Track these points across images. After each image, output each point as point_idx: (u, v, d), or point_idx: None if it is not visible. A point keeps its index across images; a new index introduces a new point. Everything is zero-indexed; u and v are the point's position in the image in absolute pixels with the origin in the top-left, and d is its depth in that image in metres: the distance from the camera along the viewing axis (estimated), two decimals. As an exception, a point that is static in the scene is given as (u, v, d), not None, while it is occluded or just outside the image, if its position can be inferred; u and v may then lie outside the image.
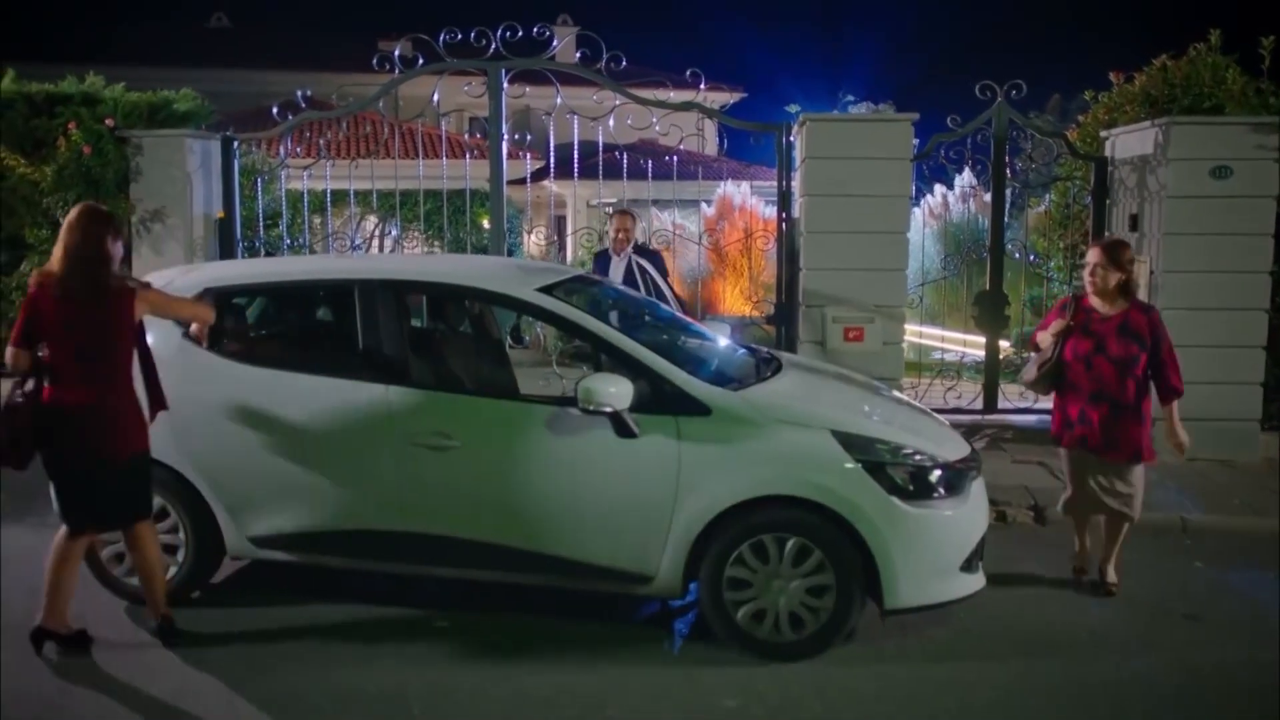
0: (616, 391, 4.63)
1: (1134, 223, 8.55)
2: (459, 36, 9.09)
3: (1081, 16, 48.10)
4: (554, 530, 4.89)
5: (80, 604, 5.35)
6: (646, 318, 6.21)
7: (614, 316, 5.74)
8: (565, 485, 4.87)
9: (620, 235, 8.03)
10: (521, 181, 12.97)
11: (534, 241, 14.58)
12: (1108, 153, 9.13)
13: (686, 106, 9.30)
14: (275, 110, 9.73)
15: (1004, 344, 9.70)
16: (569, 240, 13.43)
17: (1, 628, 5.10)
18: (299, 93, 9.71)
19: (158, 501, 5.29)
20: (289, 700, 4.45)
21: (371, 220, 12.20)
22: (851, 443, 4.76)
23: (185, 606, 5.31)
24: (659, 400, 4.82)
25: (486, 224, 10.98)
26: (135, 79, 10.56)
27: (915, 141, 8.82)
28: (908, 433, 5.04)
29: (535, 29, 9.13)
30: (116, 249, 4.75)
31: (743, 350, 6.05)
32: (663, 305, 6.86)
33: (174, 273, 5.79)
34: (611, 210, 8.35)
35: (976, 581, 4.99)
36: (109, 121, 9.67)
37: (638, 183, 9.94)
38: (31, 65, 11.42)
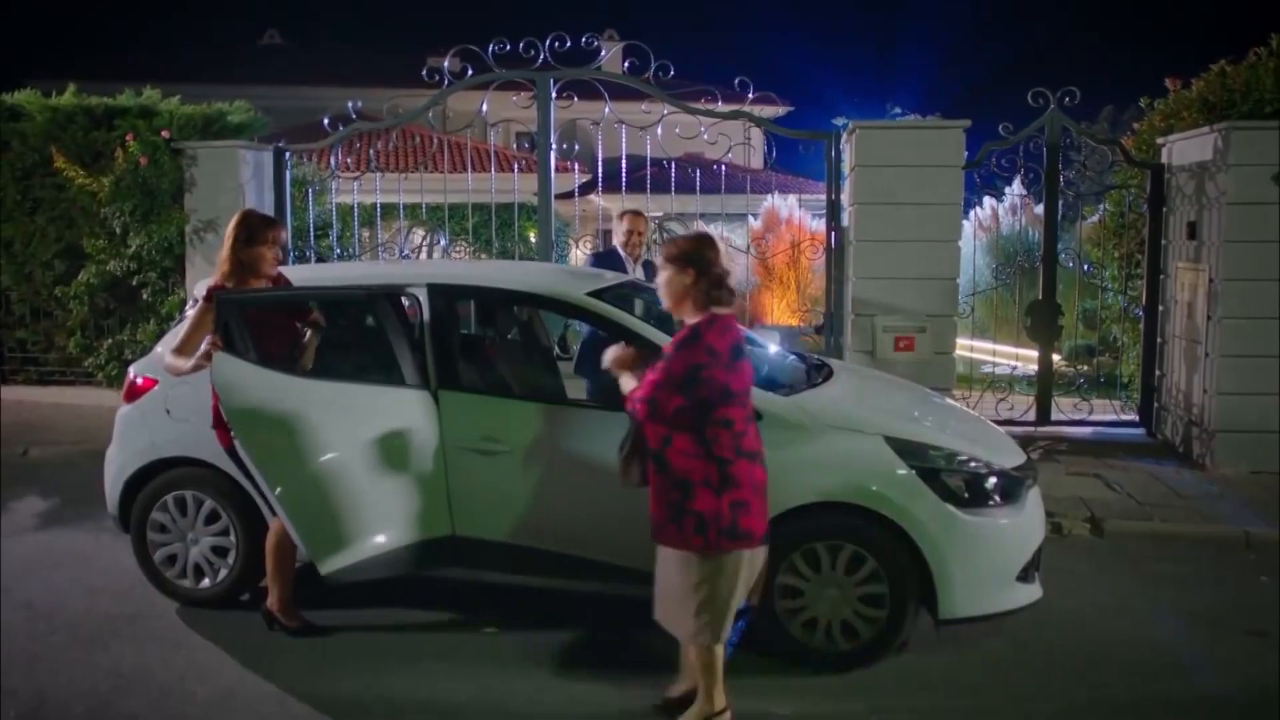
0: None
1: (1192, 230, 8.38)
2: (507, 48, 9.14)
3: (1132, 28, 47.54)
4: (602, 535, 4.85)
5: (132, 604, 5.43)
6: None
7: (665, 322, 5.68)
8: (612, 490, 4.81)
9: (635, 237, 7.41)
10: (569, 195, 13.01)
11: (580, 254, 14.62)
12: (1164, 159, 8.98)
13: (735, 115, 9.28)
14: (326, 122, 9.85)
15: (1054, 356, 9.55)
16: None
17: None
18: (349, 104, 9.82)
19: (209, 504, 5.35)
20: (340, 703, 4.44)
21: (419, 233, 12.31)
22: (905, 449, 4.69)
23: (235, 609, 5.35)
24: (709, 405, 4.77)
25: (534, 237, 11.03)
26: (190, 95, 10.78)
27: (964, 154, 8.72)
28: (962, 439, 4.95)
29: (583, 39, 9.16)
30: (247, 254, 4.90)
31: (793, 356, 5.99)
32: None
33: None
34: (622, 211, 7.90)
35: (1033, 592, 4.86)
36: (165, 133, 9.85)
37: (685, 196, 9.91)
38: (90, 83, 11.69)
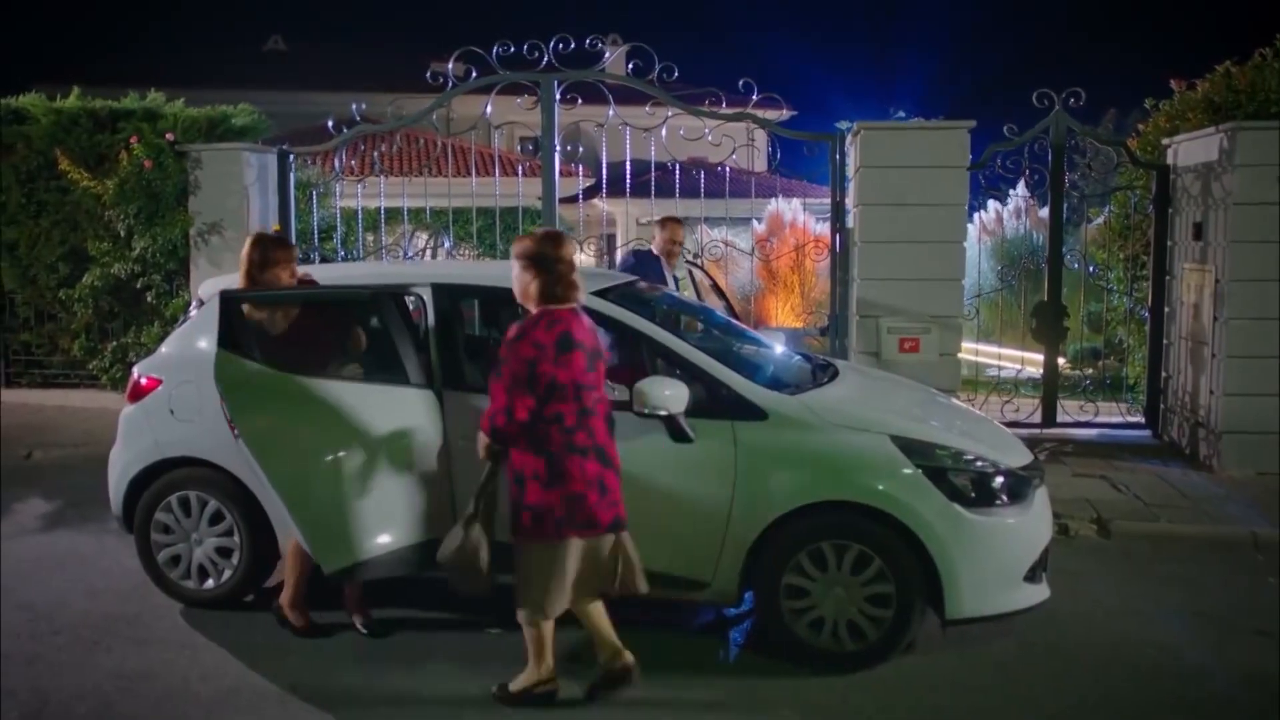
0: (672, 394, 4.56)
1: (1198, 231, 8.36)
2: (511, 50, 9.14)
3: (1136, 29, 47.55)
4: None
5: (134, 605, 5.42)
6: (701, 323, 6.15)
7: (668, 322, 5.68)
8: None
9: (675, 246, 7.43)
10: (573, 199, 12.99)
11: (583, 258, 14.60)
12: (1170, 160, 8.96)
13: (739, 117, 9.27)
14: (330, 125, 9.84)
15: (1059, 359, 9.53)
16: (619, 254, 13.43)
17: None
18: (353, 106, 9.83)
19: (213, 505, 5.33)
20: (344, 703, 4.43)
21: (423, 236, 12.31)
22: (911, 448, 4.66)
23: (240, 610, 5.34)
24: (715, 404, 4.76)
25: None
26: (194, 100, 10.77)
27: (969, 155, 8.70)
28: (968, 438, 4.93)
29: (588, 40, 9.16)
30: (263, 277, 5.01)
31: (799, 356, 5.97)
32: (717, 312, 6.78)
33: (232, 279, 5.82)
34: (660, 217, 7.83)
35: (1040, 593, 4.84)
36: (169, 136, 9.85)
37: (689, 200, 9.91)
38: (95, 87, 11.71)
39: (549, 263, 4.17)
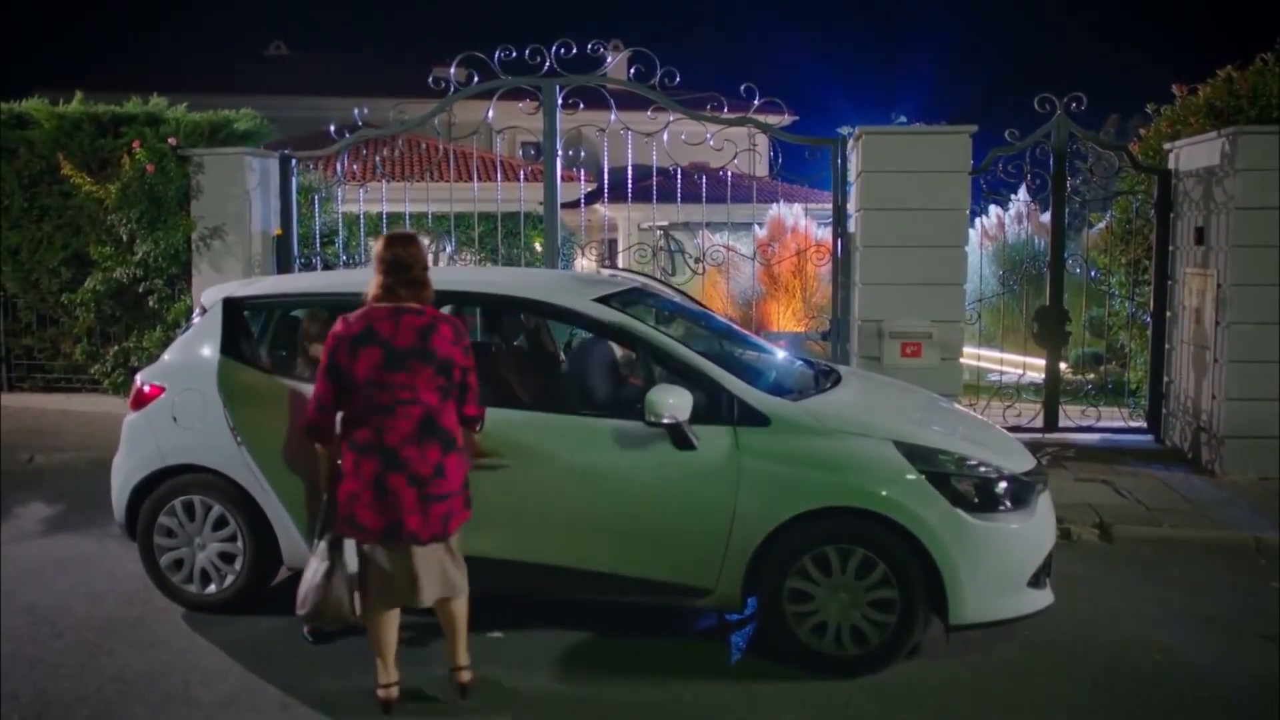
0: (676, 403, 4.55)
1: (1200, 235, 8.36)
2: (513, 54, 9.16)
3: (1138, 35, 47.60)
4: (610, 546, 4.80)
5: (136, 609, 5.41)
6: (703, 329, 6.15)
7: (670, 328, 5.68)
8: (622, 499, 4.79)
9: None
10: (575, 204, 13.03)
11: (585, 263, 14.62)
12: (1171, 165, 8.96)
13: (741, 122, 9.28)
14: (332, 129, 9.86)
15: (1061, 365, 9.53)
16: (620, 259, 13.44)
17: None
18: (355, 110, 9.84)
19: (216, 510, 5.33)
20: (345, 707, 4.42)
21: (425, 241, 12.35)
22: (914, 453, 4.66)
23: (242, 614, 5.33)
24: (717, 410, 4.75)
25: (539, 246, 11.03)
26: (197, 105, 10.80)
27: (971, 159, 8.71)
28: (971, 444, 4.93)
29: (589, 45, 9.17)
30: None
31: (801, 362, 5.97)
32: (718, 317, 6.78)
33: (234, 286, 5.83)
34: None
35: (1044, 598, 4.84)
36: (171, 140, 9.87)
37: (691, 205, 9.90)
38: (97, 92, 11.71)
39: (393, 264, 4.24)
